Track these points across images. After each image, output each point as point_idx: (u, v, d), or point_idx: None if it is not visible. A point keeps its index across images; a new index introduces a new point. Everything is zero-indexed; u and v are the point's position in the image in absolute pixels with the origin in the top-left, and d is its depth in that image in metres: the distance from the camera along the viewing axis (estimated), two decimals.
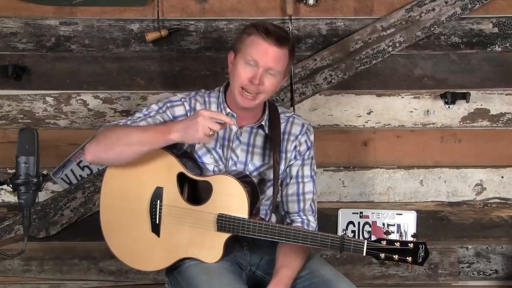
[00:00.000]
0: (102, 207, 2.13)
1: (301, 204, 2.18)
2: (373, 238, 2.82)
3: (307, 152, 2.21)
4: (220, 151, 2.14)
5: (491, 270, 2.95)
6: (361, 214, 2.89)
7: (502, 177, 2.89)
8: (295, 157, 2.19)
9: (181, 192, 2.06)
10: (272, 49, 2.00)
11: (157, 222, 2.06)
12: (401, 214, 2.88)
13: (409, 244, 1.92)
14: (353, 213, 2.89)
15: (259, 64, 2.01)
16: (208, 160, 2.14)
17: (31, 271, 2.90)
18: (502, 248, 2.94)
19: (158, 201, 2.06)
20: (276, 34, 2.01)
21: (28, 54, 2.81)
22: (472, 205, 2.91)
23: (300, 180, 2.19)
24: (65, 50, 2.81)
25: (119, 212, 2.10)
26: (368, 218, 2.88)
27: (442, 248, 2.90)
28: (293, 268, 2.06)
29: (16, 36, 2.80)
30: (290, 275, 2.04)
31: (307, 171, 2.21)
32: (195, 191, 2.09)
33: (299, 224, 2.16)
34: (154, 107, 2.13)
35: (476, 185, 2.89)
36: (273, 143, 2.15)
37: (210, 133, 1.90)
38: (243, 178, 2.07)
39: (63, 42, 2.80)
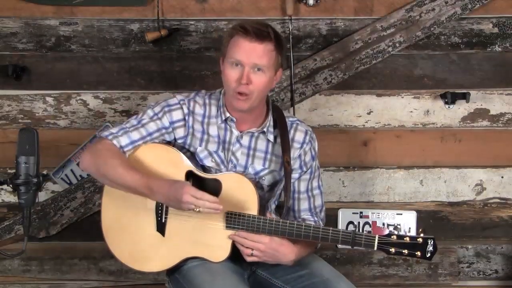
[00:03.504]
0: (103, 208, 2.11)
1: (315, 216, 2.20)
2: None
3: (313, 163, 2.21)
4: (222, 154, 2.12)
5: (491, 270, 2.94)
6: (361, 214, 2.89)
7: (502, 177, 2.89)
8: (300, 167, 2.18)
9: None
10: (252, 45, 1.99)
11: (163, 221, 2.05)
12: (401, 214, 2.88)
13: (418, 239, 1.94)
14: (353, 213, 2.88)
15: (244, 63, 2.00)
16: (209, 164, 2.12)
17: (31, 271, 2.90)
18: (502, 248, 2.94)
19: None
20: (254, 30, 1.99)
21: (28, 54, 2.82)
22: (472, 205, 2.91)
23: (310, 194, 2.20)
24: (65, 50, 2.81)
25: (122, 212, 2.08)
26: (368, 218, 2.88)
27: (442, 248, 2.88)
28: (304, 248, 2.06)
29: (16, 36, 2.80)
30: (301, 251, 2.05)
31: (315, 182, 2.22)
32: (202, 190, 2.05)
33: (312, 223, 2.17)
34: (149, 112, 2.11)
35: (476, 185, 2.89)
36: (283, 146, 2.12)
37: (197, 210, 1.90)
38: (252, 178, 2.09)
39: (63, 42, 2.80)
